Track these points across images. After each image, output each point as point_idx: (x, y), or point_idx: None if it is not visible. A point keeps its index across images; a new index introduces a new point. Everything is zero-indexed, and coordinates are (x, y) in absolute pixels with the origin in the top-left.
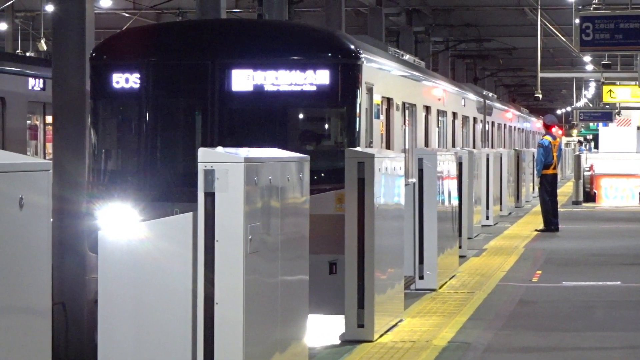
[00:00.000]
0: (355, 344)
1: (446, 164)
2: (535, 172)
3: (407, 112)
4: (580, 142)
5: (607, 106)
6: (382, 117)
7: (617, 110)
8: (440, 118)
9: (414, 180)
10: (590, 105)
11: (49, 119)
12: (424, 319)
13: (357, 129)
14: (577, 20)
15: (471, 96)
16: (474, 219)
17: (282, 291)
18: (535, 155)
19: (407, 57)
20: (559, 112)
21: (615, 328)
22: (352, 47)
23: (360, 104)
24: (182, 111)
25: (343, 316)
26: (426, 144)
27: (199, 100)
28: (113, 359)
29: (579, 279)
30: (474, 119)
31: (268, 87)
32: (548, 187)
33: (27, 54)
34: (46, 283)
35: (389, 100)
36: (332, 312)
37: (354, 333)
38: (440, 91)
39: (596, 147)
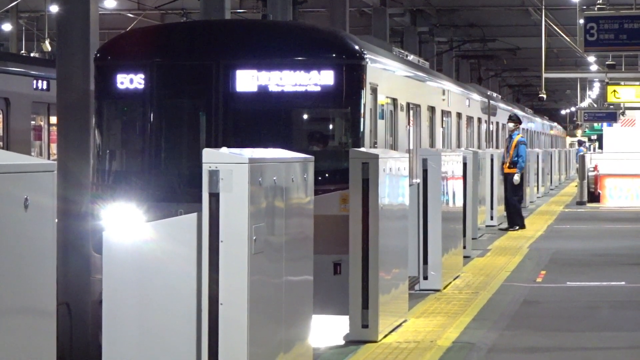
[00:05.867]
0: (359, 345)
1: (450, 165)
2: (517, 169)
3: (411, 112)
4: (580, 143)
5: (612, 106)
6: (387, 117)
7: (621, 111)
8: (444, 118)
9: (419, 180)
10: (595, 105)
11: (54, 119)
12: (428, 319)
13: (362, 130)
14: (582, 21)
15: (475, 96)
16: (478, 219)
17: (286, 291)
18: (520, 152)
19: (411, 57)
20: (563, 112)
21: (620, 328)
22: (356, 47)
23: (364, 105)
24: (187, 112)
25: (347, 316)
26: (431, 144)
27: (203, 101)
28: (117, 359)
29: (583, 279)
30: (479, 119)
31: (272, 88)
32: (515, 186)
33: (32, 54)
34: (51, 284)
35: (393, 101)
36: (336, 313)
37: (358, 333)
38: (444, 91)
39: (600, 147)
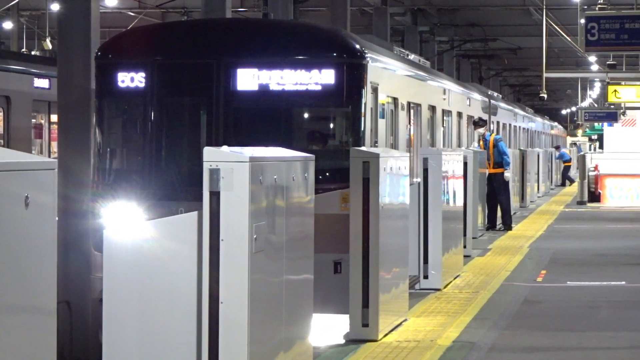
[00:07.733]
0: (359, 344)
1: (451, 164)
2: (506, 166)
3: (412, 111)
4: (557, 147)
5: (612, 106)
6: (387, 116)
7: (622, 111)
8: (445, 118)
9: (419, 179)
10: (595, 105)
11: (54, 117)
12: (429, 318)
13: (362, 129)
14: (583, 20)
15: (476, 96)
16: (478, 218)
17: (286, 290)
18: (501, 149)
19: (412, 56)
20: (563, 112)
21: (620, 328)
22: (357, 46)
23: (365, 104)
24: (187, 110)
25: (347, 315)
26: (431, 143)
27: (204, 100)
28: (118, 358)
29: (583, 278)
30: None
31: (273, 87)
32: (506, 184)
33: (33, 52)
34: (51, 282)
35: (394, 100)
36: (336, 312)
37: (359, 332)
38: (445, 91)
39: (601, 147)
